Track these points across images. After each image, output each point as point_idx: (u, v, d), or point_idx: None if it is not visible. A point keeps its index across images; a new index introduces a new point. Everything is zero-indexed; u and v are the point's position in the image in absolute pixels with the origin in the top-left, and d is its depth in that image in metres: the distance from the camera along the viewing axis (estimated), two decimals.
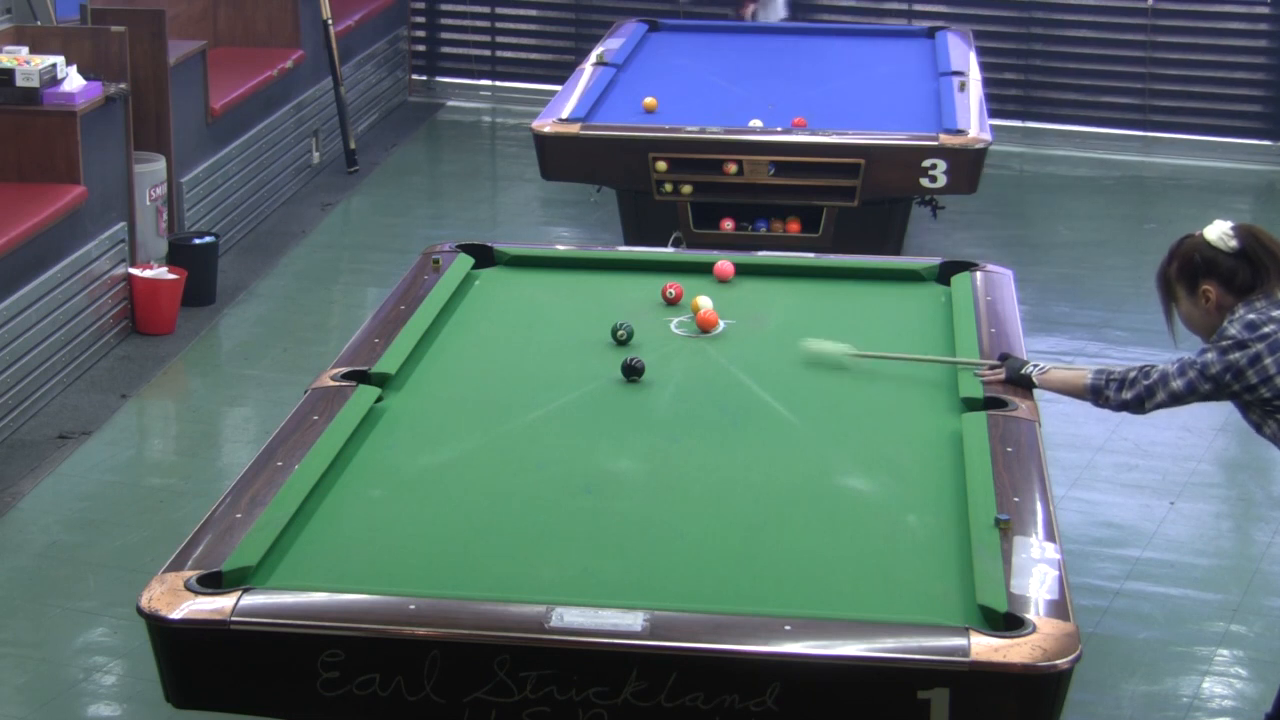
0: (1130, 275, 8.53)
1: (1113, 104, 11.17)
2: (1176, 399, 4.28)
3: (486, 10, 12.00)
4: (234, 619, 3.35)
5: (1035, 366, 4.53)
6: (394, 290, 5.27)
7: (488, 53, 12.05)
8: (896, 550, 3.74)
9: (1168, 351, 7.76)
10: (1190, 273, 4.28)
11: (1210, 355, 4.21)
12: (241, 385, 7.33)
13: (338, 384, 4.48)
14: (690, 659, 3.28)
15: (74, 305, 7.12)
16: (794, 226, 7.36)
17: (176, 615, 3.36)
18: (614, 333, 4.86)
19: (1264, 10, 10.96)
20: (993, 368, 4.60)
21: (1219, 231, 4.26)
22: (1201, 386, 4.23)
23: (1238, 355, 4.16)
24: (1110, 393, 4.36)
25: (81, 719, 4.96)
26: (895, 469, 4.14)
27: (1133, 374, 4.34)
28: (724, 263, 5.42)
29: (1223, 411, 6.94)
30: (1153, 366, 4.32)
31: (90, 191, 7.21)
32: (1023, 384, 4.50)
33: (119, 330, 7.52)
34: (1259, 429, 4.29)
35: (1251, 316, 4.19)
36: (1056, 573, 3.54)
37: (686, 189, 7.28)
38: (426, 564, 3.66)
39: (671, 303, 5.15)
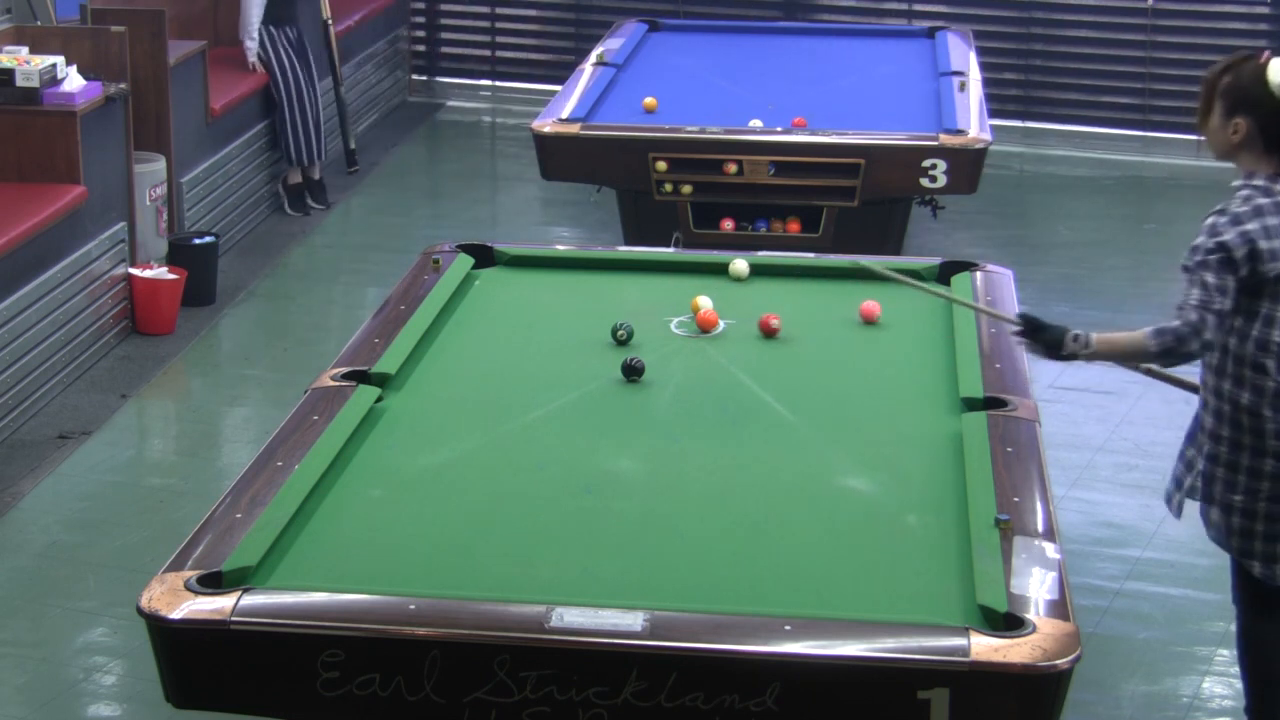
0: (1130, 275, 8.53)
1: (1113, 104, 11.17)
2: (1213, 302, 3.95)
3: (486, 10, 12.00)
4: (234, 619, 3.35)
5: (1076, 339, 4.14)
6: (394, 290, 5.27)
7: (488, 53, 12.05)
8: (896, 550, 3.74)
9: None
10: (1234, 97, 4.05)
11: (1192, 260, 3.97)
12: (241, 385, 7.33)
13: (338, 384, 4.49)
14: (690, 659, 3.28)
15: (74, 305, 7.12)
16: (794, 226, 7.36)
17: (176, 615, 3.37)
18: (614, 333, 4.86)
19: (1264, 10, 10.96)
20: (1017, 331, 4.27)
21: None
22: (1224, 277, 3.93)
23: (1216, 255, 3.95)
24: (1171, 341, 4.00)
25: (81, 719, 4.96)
26: (895, 469, 4.14)
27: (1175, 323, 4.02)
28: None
29: None
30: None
31: (90, 191, 7.21)
32: (1060, 358, 4.17)
33: (119, 330, 7.51)
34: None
35: (1242, 208, 3.98)
36: (1056, 573, 3.54)
37: (686, 189, 7.28)
38: (426, 564, 3.66)
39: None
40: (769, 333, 4.97)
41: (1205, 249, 4.00)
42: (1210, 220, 4.05)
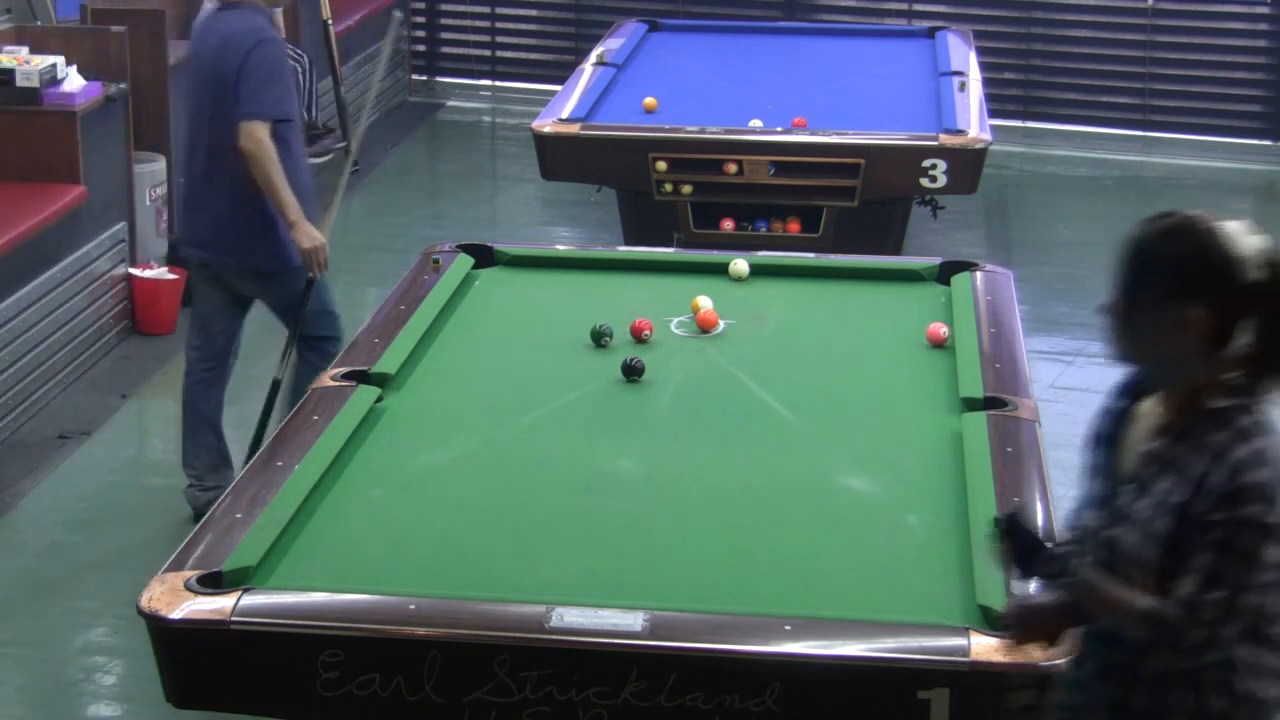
0: None
1: (1113, 104, 11.17)
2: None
3: (486, 10, 12.00)
4: (234, 619, 3.35)
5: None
6: (394, 290, 5.27)
7: (488, 53, 12.05)
8: (896, 550, 3.74)
9: None
10: (1190, 277, 2.83)
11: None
12: (241, 385, 7.31)
13: (338, 384, 4.49)
14: (690, 659, 3.28)
15: (74, 305, 7.12)
16: (794, 226, 7.36)
17: (176, 615, 3.37)
18: (598, 338, 4.84)
19: (1264, 10, 10.96)
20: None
21: (1251, 241, 2.84)
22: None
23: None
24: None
25: (81, 719, 4.97)
26: (895, 469, 4.14)
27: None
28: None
29: None
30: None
31: (90, 191, 7.21)
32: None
33: (119, 330, 7.51)
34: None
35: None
36: None
37: (686, 189, 7.28)
38: (426, 564, 3.66)
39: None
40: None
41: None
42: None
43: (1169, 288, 2.83)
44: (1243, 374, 2.82)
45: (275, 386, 5.83)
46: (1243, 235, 2.83)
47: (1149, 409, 2.93)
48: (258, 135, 5.55)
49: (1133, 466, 2.92)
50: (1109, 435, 3.00)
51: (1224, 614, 2.77)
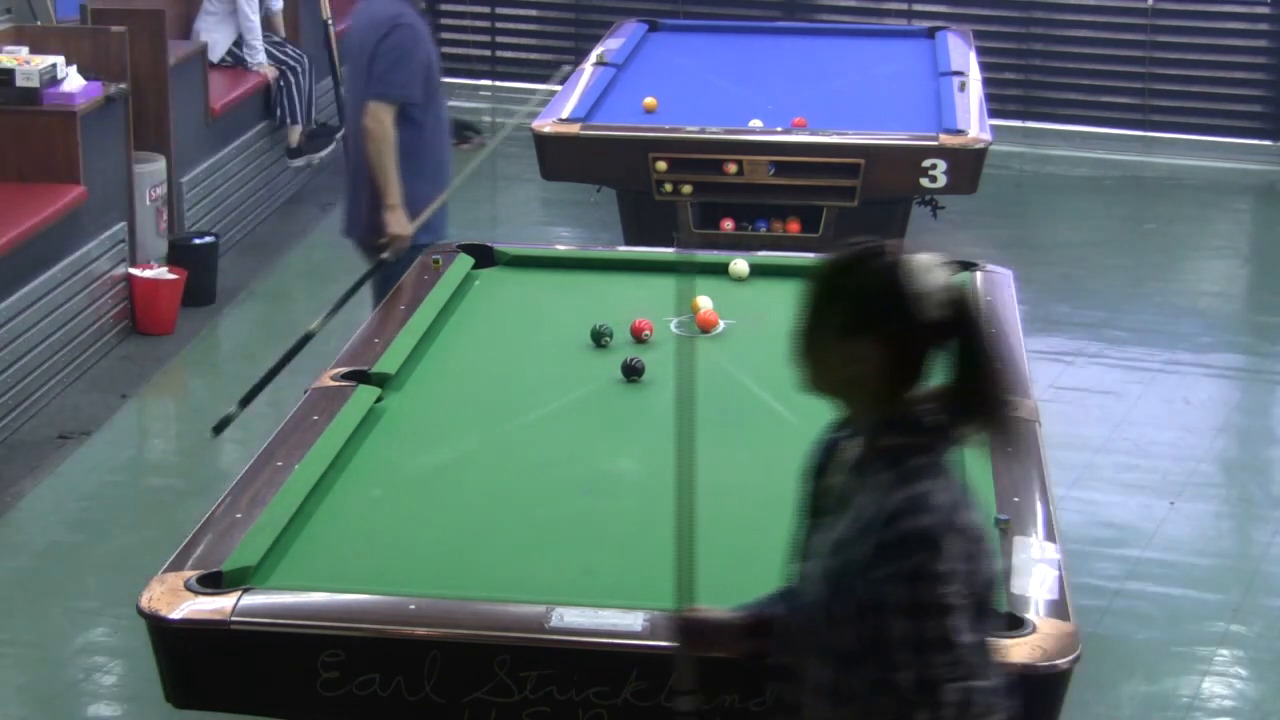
0: (1130, 275, 8.52)
1: (1113, 104, 11.18)
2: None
3: (486, 10, 12.00)
4: (234, 619, 3.35)
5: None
6: (394, 290, 5.27)
7: (488, 53, 12.05)
8: None
9: (1168, 351, 7.73)
10: (866, 311, 2.71)
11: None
12: (241, 385, 7.28)
13: (338, 384, 4.49)
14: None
15: (74, 305, 7.12)
16: (794, 226, 7.36)
17: (176, 615, 3.37)
18: (598, 338, 4.84)
19: (1264, 10, 10.97)
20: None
21: (936, 276, 2.66)
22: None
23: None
24: None
25: (81, 719, 4.96)
26: None
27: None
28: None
29: (1223, 411, 6.95)
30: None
31: (90, 191, 7.21)
32: None
33: (119, 330, 7.51)
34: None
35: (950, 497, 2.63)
36: (1056, 573, 3.54)
37: (686, 189, 7.27)
38: (426, 564, 3.66)
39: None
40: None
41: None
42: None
43: (845, 320, 2.71)
44: (932, 412, 2.66)
45: (305, 339, 5.80)
46: (927, 270, 2.65)
47: (854, 442, 2.79)
48: (380, 116, 5.83)
49: (825, 500, 2.82)
50: (816, 467, 2.88)
51: (956, 665, 2.56)
